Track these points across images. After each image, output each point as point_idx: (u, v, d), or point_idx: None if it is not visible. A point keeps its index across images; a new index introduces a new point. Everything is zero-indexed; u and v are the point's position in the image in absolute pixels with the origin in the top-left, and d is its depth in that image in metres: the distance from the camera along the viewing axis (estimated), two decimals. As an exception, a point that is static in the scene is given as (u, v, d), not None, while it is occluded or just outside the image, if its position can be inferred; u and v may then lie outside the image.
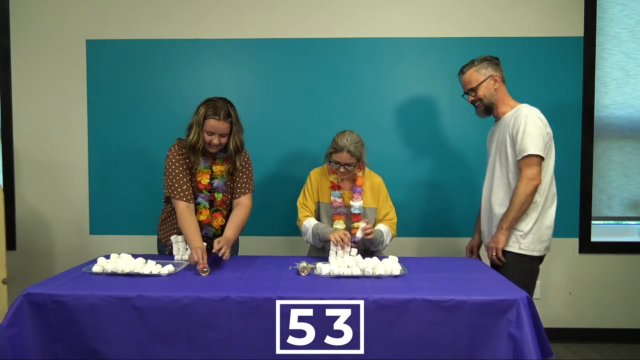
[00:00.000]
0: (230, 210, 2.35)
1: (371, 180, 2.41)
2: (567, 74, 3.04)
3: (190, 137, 2.19)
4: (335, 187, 2.36)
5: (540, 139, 2.11)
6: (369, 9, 3.07)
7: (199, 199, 2.26)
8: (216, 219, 2.29)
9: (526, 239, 2.17)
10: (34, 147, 3.13)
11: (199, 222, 2.23)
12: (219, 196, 2.28)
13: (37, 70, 3.11)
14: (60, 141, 3.12)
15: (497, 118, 2.32)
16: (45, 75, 3.11)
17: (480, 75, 2.26)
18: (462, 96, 2.37)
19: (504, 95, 2.28)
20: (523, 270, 2.18)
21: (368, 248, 2.36)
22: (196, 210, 2.25)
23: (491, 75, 2.25)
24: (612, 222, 3.24)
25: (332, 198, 2.36)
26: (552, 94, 3.03)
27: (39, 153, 3.13)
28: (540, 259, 2.22)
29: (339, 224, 2.32)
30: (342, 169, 2.29)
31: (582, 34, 3.04)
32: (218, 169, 2.27)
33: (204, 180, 2.24)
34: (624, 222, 3.27)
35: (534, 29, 3.04)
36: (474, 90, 2.27)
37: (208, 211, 2.27)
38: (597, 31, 3.06)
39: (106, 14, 3.09)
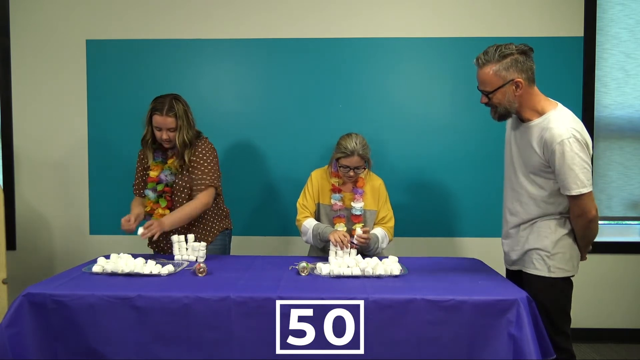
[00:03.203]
0: (183, 202, 2.34)
1: (372, 182, 2.40)
2: (567, 74, 3.03)
3: (144, 133, 2.32)
4: (336, 189, 2.36)
5: (583, 170, 1.76)
6: (368, 9, 3.06)
7: (146, 191, 2.34)
8: (156, 210, 2.33)
9: (553, 259, 1.90)
10: (34, 147, 3.13)
11: (145, 213, 2.35)
12: (160, 187, 2.33)
13: (37, 70, 3.11)
14: (60, 141, 3.12)
15: (522, 120, 1.94)
16: (45, 75, 3.11)
17: (498, 78, 1.82)
18: (478, 88, 1.94)
19: (530, 99, 1.87)
20: (556, 293, 1.91)
21: (362, 251, 2.34)
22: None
23: (512, 80, 1.82)
24: (612, 222, 3.24)
25: (332, 201, 2.35)
26: (552, 94, 2.99)
27: (39, 153, 3.13)
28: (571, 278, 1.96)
29: (340, 227, 2.31)
30: (351, 173, 2.29)
31: (582, 34, 3.04)
32: (171, 162, 2.33)
33: (153, 173, 2.33)
34: (624, 222, 3.27)
35: (534, 29, 3.03)
36: (488, 95, 1.88)
37: (152, 203, 2.34)
38: (597, 31, 3.06)
39: (106, 14, 3.08)
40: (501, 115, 1.92)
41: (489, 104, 1.91)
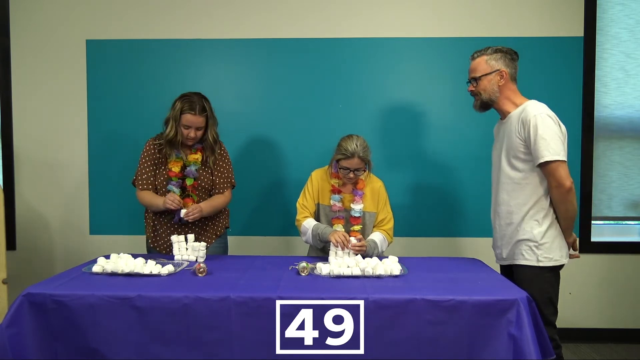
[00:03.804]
0: (202, 198, 2.39)
1: (372, 185, 2.40)
2: (567, 74, 3.04)
3: (167, 131, 2.30)
4: (335, 190, 2.36)
5: (556, 140, 1.92)
6: (368, 9, 3.07)
7: (170, 186, 2.33)
8: (187, 204, 2.32)
9: (541, 249, 1.99)
10: (34, 147, 3.13)
11: (171, 210, 2.30)
12: (189, 181, 2.33)
13: (37, 70, 3.11)
14: (60, 141, 3.12)
15: (502, 116, 2.14)
16: (45, 75, 3.11)
17: (487, 66, 2.07)
18: (467, 82, 2.19)
19: (510, 93, 2.08)
20: (544, 283, 2.00)
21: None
22: None
23: (498, 70, 2.06)
24: (612, 222, 3.24)
25: (332, 202, 2.35)
26: (552, 94, 3.02)
27: (39, 153, 3.13)
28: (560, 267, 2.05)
29: (338, 228, 2.31)
30: (351, 175, 2.28)
31: (582, 34, 3.04)
32: (192, 157, 2.35)
33: (175, 168, 2.33)
34: (624, 222, 3.27)
35: (534, 29, 3.03)
36: (476, 80, 2.09)
37: (179, 197, 2.31)
38: (597, 31, 3.06)
39: (106, 14, 3.08)
40: (482, 104, 2.12)
41: (474, 92, 2.12)
